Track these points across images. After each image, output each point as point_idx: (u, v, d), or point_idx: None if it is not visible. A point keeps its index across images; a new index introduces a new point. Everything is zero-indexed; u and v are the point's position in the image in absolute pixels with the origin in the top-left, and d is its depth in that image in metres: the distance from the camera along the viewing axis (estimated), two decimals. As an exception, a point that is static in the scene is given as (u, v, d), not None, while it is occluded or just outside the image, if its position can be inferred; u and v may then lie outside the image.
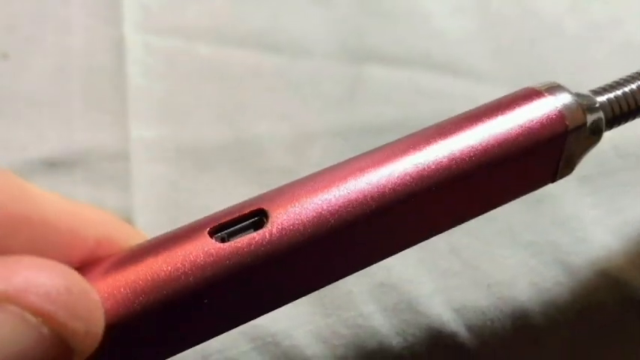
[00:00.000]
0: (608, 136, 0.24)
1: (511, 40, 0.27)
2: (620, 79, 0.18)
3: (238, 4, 0.28)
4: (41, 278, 0.12)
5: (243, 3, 0.28)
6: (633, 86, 0.18)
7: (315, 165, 0.23)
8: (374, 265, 0.22)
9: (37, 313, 0.11)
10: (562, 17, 0.27)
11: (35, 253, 0.12)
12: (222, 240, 0.14)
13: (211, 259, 0.14)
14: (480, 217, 0.23)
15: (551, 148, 0.16)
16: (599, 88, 0.18)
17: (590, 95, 0.18)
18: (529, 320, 0.22)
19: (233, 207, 0.15)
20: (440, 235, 0.22)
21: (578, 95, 0.17)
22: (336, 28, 0.27)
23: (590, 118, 0.17)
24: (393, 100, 0.25)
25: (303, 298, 0.21)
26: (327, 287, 0.22)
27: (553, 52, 0.27)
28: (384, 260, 0.22)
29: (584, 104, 0.17)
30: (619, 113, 0.18)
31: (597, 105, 0.17)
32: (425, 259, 0.22)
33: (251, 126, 0.25)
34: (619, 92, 0.18)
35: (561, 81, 0.18)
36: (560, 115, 0.16)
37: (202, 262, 0.14)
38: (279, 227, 0.14)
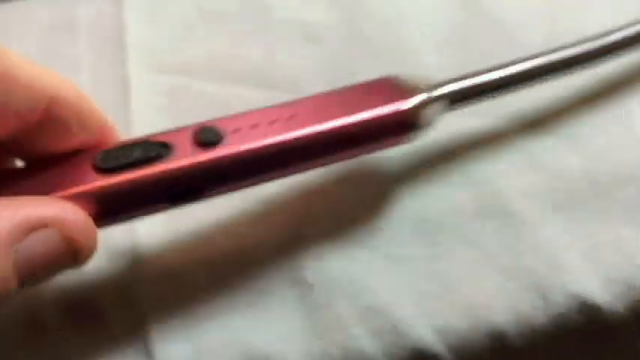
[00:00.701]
0: (580, 168, 0.25)
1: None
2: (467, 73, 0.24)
3: (236, 42, 0.30)
4: (66, 211, 0.18)
5: (241, 41, 0.30)
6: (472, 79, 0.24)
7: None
8: (362, 291, 0.24)
9: (64, 233, 0.18)
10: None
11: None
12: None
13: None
14: (460, 243, 0.24)
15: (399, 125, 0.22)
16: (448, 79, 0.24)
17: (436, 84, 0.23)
18: (506, 341, 0.23)
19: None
20: (421, 260, 0.24)
21: (426, 86, 0.23)
22: (326, 65, 0.29)
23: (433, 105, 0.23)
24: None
25: (297, 321, 0.23)
26: (316, 309, 0.23)
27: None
28: (371, 285, 0.24)
29: (430, 95, 0.23)
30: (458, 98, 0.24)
31: (441, 93, 0.23)
32: (408, 285, 0.24)
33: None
34: (461, 82, 0.24)
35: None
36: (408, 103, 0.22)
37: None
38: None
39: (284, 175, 0.22)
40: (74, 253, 0.18)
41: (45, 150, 0.20)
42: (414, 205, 0.25)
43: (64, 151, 0.20)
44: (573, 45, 0.26)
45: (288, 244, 0.24)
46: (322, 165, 0.22)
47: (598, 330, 0.24)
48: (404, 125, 0.22)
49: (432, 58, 0.29)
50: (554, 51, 0.25)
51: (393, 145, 0.23)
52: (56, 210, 0.18)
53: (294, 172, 0.22)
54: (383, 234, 0.24)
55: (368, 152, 0.23)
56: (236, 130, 0.21)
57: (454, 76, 0.24)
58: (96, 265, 0.24)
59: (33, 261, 0.18)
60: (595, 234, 0.25)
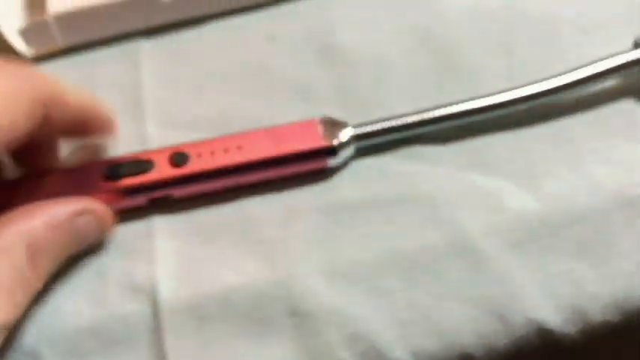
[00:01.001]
0: (536, 209, 0.29)
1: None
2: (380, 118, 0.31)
3: (237, 99, 0.34)
4: (95, 204, 0.29)
5: (243, 99, 0.34)
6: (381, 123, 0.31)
7: (302, 237, 0.29)
8: (348, 320, 0.28)
9: (96, 217, 0.28)
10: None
11: None
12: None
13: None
14: (432, 277, 0.28)
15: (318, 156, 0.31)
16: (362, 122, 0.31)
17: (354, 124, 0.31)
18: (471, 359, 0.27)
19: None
20: (399, 292, 0.28)
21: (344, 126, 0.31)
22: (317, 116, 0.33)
23: (342, 139, 0.31)
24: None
25: (293, 346, 0.27)
26: (309, 336, 0.27)
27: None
28: (356, 315, 0.28)
29: (343, 132, 0.31)
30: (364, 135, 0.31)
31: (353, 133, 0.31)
32: (387, 314, 0.28)
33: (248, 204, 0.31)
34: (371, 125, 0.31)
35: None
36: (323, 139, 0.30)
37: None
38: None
39: (230, 186, 0.31)
40: (101, 229, 0.29)
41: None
42: (392, 244, 0.29)
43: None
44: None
45: (285, 280, 0.28)
46: (259, 181, 0.31)
47: (553, 351, 0.28)
48: (321, 154, 0.30)
49: (408, 108, 0.33)
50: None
51: (316, 168, 0.31)
52: (91, 203, 0.28)
53: (238, 185, 0.31)
54: (366, 270, 0.28)
55: (295, 172, 0.31)
56: (199, 155, 0.30)
57: (368, 122, 0.31)
58: (119, 300, 0.28)
59: (81, 231, 0.28)
60: (549, 267, 0.28)
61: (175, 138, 0.33)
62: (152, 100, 0.35)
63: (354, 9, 0.37)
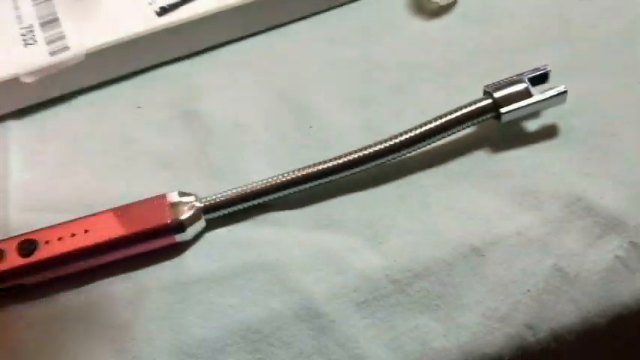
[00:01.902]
0: (381, 265, 0.29)
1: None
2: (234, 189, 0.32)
3: (100, 176, 0.35)
4: None
5: (105, 175, 0.35)
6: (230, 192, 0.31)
7: (149, 317, 0.29)
8: None
9: None
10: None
11: None
12: None
13: None
14: (277, 346, 0.28)
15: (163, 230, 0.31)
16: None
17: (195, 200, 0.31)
18: None
19: None
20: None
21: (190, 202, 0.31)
22: (177, 187, 0.33)
23: (190, 214, 0.31)
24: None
25: None
26: None
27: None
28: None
29: (190, 205, 0.31)
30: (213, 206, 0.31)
31: (199, 206, 0.31)
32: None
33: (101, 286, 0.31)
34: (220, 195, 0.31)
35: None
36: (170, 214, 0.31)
37: None
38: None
39: (83, 269, 0.31)
40: None
41: None
42: (239, 316, 0.29)
43: None
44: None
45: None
46: (112, 261, 0.31)
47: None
48: (167, 231, 0.31)
49: (268, 172, 0.33)
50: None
51: (164, 244, 0.31)
52: None
53: (91, 267, 0.31)
54: (212, 346, 0.28)
55: (146, 250, 0.31)
56: (47, 242, 0.31)
57: (217, 193, 0.32)
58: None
59: None
60: (395, 326, 0.28)
61: (38, 222, 0.33)
62: (17, 184, 0.35)
63: (216, 74, 0.37)
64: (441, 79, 0.35)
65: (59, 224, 0.31)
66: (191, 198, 0.31)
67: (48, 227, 0.31)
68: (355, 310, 0.29)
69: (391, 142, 0.31)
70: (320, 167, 0.31)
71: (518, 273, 0.29)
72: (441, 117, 0.32)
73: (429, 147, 0.32)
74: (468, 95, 0.33)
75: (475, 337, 0.28)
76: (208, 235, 0.32)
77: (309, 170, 0.31)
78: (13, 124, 0.37)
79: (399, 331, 0.28)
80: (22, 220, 0.34)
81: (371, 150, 0.31)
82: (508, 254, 0.29)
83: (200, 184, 0.33)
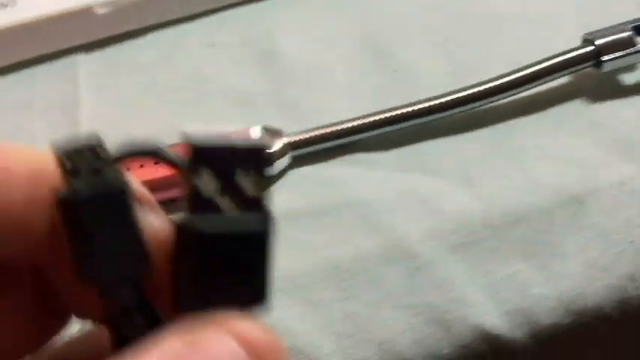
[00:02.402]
0: (477, 210, 0.28)
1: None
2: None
3: (176, 113, 0.33)
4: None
5: (181, 112, 0.33)
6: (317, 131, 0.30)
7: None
8: (284, 333, 0.27)
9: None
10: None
11: None
12: None
13: None
14: (367, 286, 0.27)
15: None
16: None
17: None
18: (414, 372, 0.26)
19: None
20: (334, 303, 0.27)
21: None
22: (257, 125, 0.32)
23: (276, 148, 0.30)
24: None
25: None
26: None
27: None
28: (290, 327, 0.27)
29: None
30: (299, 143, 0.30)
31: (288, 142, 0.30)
32: (324, 326, 0.27)
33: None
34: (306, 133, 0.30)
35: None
36: None
37: None
38: None
39: (161, 198, 0.27)
40: None
41: None
42: (326, 253, 0.28)
43: None
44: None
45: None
46: None
47: (500, 357, 0.27)
48: None
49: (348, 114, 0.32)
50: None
51: None
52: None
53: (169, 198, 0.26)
54: (301, 281, 0.27)
55: None
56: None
57: (304, 130, 0.30)
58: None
59: None
60: (492, 270, 0.27)
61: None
62: (89, 117, 0.34)
63: (292, 15, 0.36)
64: (532, 29, 0.34)
65: None
66: (277, 133, 0.30)
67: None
68: (450, 253, 0.28)
69: (487, 86, 0.30)
70: (412, 108, 0.30)
71: (621, 223, 0.28)
72: (539, 62, 0.31)
73: (524, 94, 0.31)
74: (560, 47, 0.32)
75: (575, 286, 0.27)
76: (292, 173, 0.30)
77: (401, 111, 0.30)
78: (81, 58, 0.36)
79: (496, 276, 0.27)
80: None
81: (465, 93, 0.30)
82: (610, 204, 0.28)
83: (279, 123, 0.32)
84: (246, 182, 0.15)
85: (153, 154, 0.16)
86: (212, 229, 0.15)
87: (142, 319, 0.15)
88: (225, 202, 0.15)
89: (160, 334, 0.14)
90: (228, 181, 0.15)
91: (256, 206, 0.15)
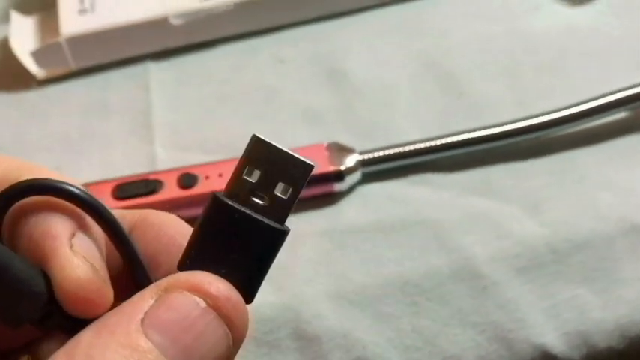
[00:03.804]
0: (541, 235, 0.30)
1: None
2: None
3: (246, 122, 0.35)
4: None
5: (250, 122, 0.35)
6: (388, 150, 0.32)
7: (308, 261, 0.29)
8: (353, 344, 0.28)
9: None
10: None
11: None
12: None
13: None
14: (436, 302, 0.29)
15: None
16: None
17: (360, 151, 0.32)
18: (477, 386, 0.27)
19: None
20: (404, 317, 0.28)
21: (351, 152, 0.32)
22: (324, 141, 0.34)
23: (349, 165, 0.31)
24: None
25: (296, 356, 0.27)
26: (315, 361, 0.27)
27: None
28: (360, 338, 0.28)
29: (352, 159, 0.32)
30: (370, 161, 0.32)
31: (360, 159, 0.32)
32: (393, 338, 0.28)
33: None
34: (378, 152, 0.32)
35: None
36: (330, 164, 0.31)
37: None
38: None
39: None
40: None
41: None
42: (397, 268, 0.29)
43: None
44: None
45: (292, 303, 0.29)
46: None
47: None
48: (327, 179, 0.31)
49: (413, 134, 0.33)
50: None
51: (322, 193, 0.31)
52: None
53: None
54: (371, 294, 0.29)
55: (302, 196, 0.29)
56: (207, 177, 0.31)
57: (376, 148, 0.32)
58: None
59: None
60: (554, 294, 0.29)
61: (183, 160, 0.33)
62: (161, 122, 0.35)
63: (361, 35, 0.38)
64: (590, 63, 0.35)
65: (220, 161, 0.31)
66: (349, 150, 0.31)
67: (209, 163, 0.31)
68: (515, 275, 0.29)
69: (553, 116, 0.32)
70: (481, 134, 0.32)
71: (678, 254, 0.29)
72: (602, 96, 0.32)
73: (587, 125, 0.32)
74: (618, 81, 0.33)
75: (633, 311, 0.28)
76: (362, 189, 0.32)
77: (470, 135, 0.32)
78: (152, 65, 0.38)
79: (557, 298, 0.29)
80: (169, 157, 0.34)
81: (532, 122, 0.32)
82: (668, 235, 0.30)
83: (345, 139, 0.33)
84: (281, 194, 0.17)
85: (48, 191, 0.17)
86: (227, 200, 0.17)
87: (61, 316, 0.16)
88: (254, 201, 0.17)
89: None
90: (267, 187, 0.17)
91: (277, 217, 0.17)
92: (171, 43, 0.38)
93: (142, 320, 0.15)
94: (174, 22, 0.37)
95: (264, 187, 0.17)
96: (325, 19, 0.39)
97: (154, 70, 0.38)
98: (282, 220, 0.17)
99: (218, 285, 0.16)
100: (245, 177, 0.17)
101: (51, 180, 0.17)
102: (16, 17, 0.39)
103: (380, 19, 0.38)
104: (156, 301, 0.16)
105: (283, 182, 0.17)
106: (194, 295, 0.16)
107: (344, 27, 0.38)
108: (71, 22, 0.37)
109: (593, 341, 0.28)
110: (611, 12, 0.38)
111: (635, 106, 0.33)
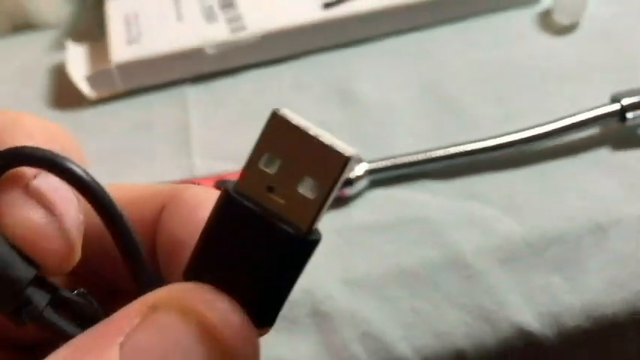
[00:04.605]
0: (520, 232, 0.35)
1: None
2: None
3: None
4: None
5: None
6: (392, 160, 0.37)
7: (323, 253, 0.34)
8: (361, 321, 0.33)
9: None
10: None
11: None
12: None
13: None
14: (431, 287, 0.34)
15: None
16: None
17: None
18: (464, 356, 0.33)
19: None
20: (404, 299, 0.33)
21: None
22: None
23: (358, 172, 0.36)
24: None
25: (314, 342, 0.32)
26: (328, 334, 0.33)
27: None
28: (366, 317, 0.33)
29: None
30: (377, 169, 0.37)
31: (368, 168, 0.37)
32: (394, 317, 0.33)
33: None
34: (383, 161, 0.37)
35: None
36: None
37: None
38: None
39: None
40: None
41: None
42: (397, 260, 0.34)
43: None
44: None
45: (309, 287, 0.34)
46: None
47: (533, 351, 0.33)
48: None
49: (412, 148, 0.39)
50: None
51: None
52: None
53: None
54: (375, 281, 0.34)
55: None
56: None
57: (381, 158, 0.37)
58: None
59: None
60: (530, 281, 0.34)
61: (218, 168, 0.39)
62: (198, 137, 0.41)
63: (368, 63, 0.43)
64: (567, 85, 0.41)
65: None
66: (358, 159, 0.37)
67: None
68: (497, 266, 0.34)
69: (533, 132, 0.37)
70: (472, 147, 0.37)
71: (636, 249, 0.34)
72: (576, 114, 0.37)
73: (563, 140, 0.38)
74: (591, 100, 0.38)
75: (596, 297, 0.33)
76: (369, 193, 0.37)
77: (463, 148, 0.37)
78: (189, 89, 0.44)
79: (533, 285, 0.34)
80: (205, 166, 0.40)
81: (513, 138, 0.37)
82: (628, 233, 0.35)
83: (356, 150, 0.39)
84: (308, 192, 0.13)
85: (42, 163, 0.14)
86: (241, 197, 0.12)
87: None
88: (271, 201, 0.12)
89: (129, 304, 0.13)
90: (290, 181, 0.12)
91: (303, 222, 0.12)
92: (206, 69, 0.44)
93: (122, 345, 0.12)
94: (209, 51, 0.43)
95: (286, 181, 0.13)
96: (338, 48, 0.44)
97: (191, 92, 0.44)
98: (309, 226, 0.13)
99: (217, 306, 0.13)
100: (262, 167, 0.13)
101: (35, 149, 0.14)
102: (71, 46, 0.45)
103: (386, 48, 0.44)
104: (140, 321, 0.13)
105: (310, 177, 0.12)
106: (186, 317, 0.13)
107: (354, 54, 0.44)
108: (120, 50, 0.43)
109: (564, 320, 0.33)
110: (588, 41, 0.44)
111: (605, 122, 0.38)
